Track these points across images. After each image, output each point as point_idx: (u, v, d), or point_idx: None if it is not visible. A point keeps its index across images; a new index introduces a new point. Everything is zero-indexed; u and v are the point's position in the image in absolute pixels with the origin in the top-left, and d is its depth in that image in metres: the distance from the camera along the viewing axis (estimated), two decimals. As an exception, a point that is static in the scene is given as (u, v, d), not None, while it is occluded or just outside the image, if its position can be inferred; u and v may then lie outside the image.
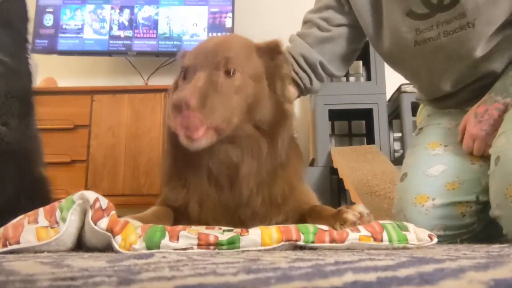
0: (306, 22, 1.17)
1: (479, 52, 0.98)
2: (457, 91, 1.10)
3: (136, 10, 2.58)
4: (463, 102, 1.10)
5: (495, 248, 0.72)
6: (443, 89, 1.11)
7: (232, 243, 0.65)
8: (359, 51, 1.22)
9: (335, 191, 2.23)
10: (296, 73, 1.11)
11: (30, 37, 1.10)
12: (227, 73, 0.83)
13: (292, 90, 0.95)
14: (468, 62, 1.02)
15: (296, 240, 0.67)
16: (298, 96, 1.16)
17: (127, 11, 2.58)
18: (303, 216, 0.88)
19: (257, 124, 0.87)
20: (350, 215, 0.76)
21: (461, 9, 0.95)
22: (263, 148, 0.87)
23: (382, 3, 1.08)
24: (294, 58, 1.11)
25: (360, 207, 0.79)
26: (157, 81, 2.66)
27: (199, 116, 0.74)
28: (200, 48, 0.90)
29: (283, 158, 0.89)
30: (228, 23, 2.56)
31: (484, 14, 0.94)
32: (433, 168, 1.07)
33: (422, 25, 1.02)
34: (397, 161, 2.18)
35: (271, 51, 0.92)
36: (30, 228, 0.66)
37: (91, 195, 0.66)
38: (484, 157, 1.01)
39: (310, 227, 0.69)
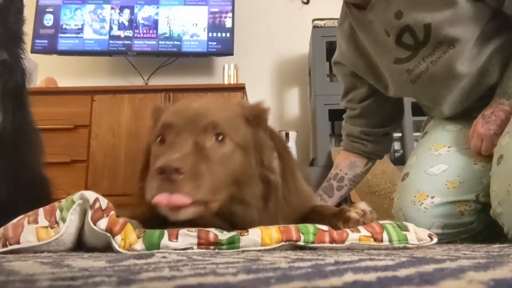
0: (344, 108, 1.39)
1: (467, 66, 1.05)
2: (468, 107, 1.13)
3: (136, 10, 2.58)
4: (473, 111, 1.12)
5: (495, 248, 0.72)
6: (447, 110, 1.16)
7: (232, 243, 0.65)
8: (397, 106, 1.34)
9: (335, 191, 2.22)
10: (352, 147, 1.33)
11: (25, 35, 1.12)
12: (216, 138, 0.73)
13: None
14: (465, 80, 1.07)
15: (296, 240, 0.67)
16: (370, 163, 1.36)
17: (127, 11, 2.58)
18: (304, 217, 0.88)
19: (244, 200, 0.76)
20: (353, 213, 0.76)
21: (436, 40, 1.03)
22: (252, 219, 0.76)
23: (376, 62, 1.19)
24: (346, 138, 1.35)
25: (362, 205, 0.79)
26: (157, 81, 2.66)
27: (188, 185, 0.64)
28: (181, 108, 0.79)
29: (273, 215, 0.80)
30: (228, 23, 2.56)
31: (455, 37, 1.02)
32: (435, 167, 1.08)
33: (410, 65, 1.10)
34: (397, 161, 2.18)
35: (256, 118, 0.82)
36: (30, 228, 0.66)
37: (91, 195, 0.66)
38: (488, 158, 1.01)
39: (310, 227, 0.69)
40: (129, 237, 0.63)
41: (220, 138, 0.73)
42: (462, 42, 1.02)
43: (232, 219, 0.77)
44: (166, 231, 0.65)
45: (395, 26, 1.07)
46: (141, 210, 0.84)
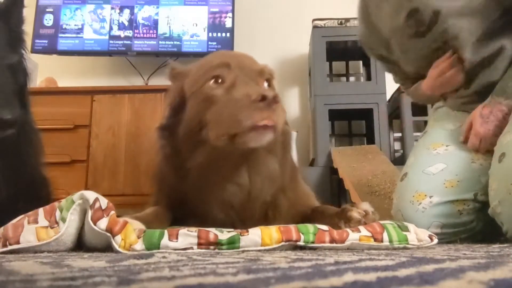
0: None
1: (470, 53, 1.06)
2: (467, 104, 1.14)
3: (136, 10, 2.58)
4: (475, 99, 1.12)
5: (495, 248, 0.72)
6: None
7: (232, 243, 0.65)
8: None
9: (335, 191, 2.22)
10: None
11: (26, 35, 1.14)
12: (266, 83, 0.83)
13: None
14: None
15: (296, 240, 0.67)
16: None
17: (127, 11, 2.58)
18: (305, 217, 0.88)
19: (271, 146, 0.82)
20: (355, 213, 0.76)
21: (438, 30, 1.06)
22: (274, 170, 0.84)
23: (387, 38, 1.23)
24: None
25: (365, 205, 0.79)
26: (157, 81, 2.66)
27: (277, 113, 0.73)
28: (227, 54, 0.87)
29: (288, 177, 0.88)
30: (228, 23, 2.56)
31: (454, 34, 1.04)
32: (433, 166, 1.07)
33: (418, 44, 1.14)
34: (397, 161, 2.18)
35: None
36: (30, 228, 0.66)
37: (91, 195, 0.66)
38: (485, 157, 1.01)
39: (310, 227, 0.69)
40: (129, 237, 0.63)
41: (268, 84, 0.82)
42: (460, 39, 1.03)
43: (256, 162, 0.82)
44: (166, 231, 0.66)
45: (405, 7, 1.09)
46: (160, 203, 0.88)
